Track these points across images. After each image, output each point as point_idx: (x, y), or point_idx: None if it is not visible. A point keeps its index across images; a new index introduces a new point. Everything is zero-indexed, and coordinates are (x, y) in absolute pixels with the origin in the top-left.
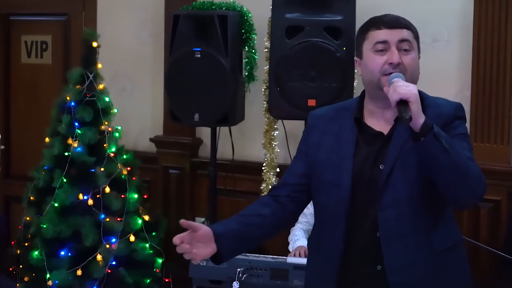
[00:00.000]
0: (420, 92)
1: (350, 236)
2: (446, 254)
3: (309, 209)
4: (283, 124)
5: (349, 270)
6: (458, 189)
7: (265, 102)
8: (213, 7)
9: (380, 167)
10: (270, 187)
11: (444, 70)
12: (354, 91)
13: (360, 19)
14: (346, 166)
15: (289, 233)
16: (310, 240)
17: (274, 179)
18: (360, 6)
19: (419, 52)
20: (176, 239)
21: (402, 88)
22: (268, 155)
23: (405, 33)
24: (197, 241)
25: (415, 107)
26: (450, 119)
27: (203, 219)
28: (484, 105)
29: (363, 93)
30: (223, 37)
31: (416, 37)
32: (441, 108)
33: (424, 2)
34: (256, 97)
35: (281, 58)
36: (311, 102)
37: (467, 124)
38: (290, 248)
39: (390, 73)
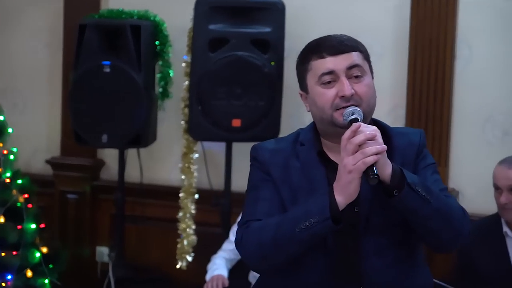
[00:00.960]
0: (376, 121)
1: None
2: None
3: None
4: (202, 146)
5: None
6: (444, 235)
7: (183, 122)
8: (123, 16)
9: (355, 210)
10: (188, 215)
11: (377, 86)
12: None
13: (290, 32)
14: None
15: (209, 260)
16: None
17: (192, 206)
18: (290, 17)
19: (371, 73)
20: None
21: (369, 147)
22: (186, 180)
23: (353, 57)
24: None
25: (382, 159)
26: (420, 147)
27: (105, 249)
28: (421, 124)
29: (314, 125)
30: (136, 50)
31: (366, 57)
32: (409, 136)
33: (356, 16)
34: (168, 116)
35: (204, 73)
36: (236, 122)
37: None
38: (207, 277)
39: (344, 106)
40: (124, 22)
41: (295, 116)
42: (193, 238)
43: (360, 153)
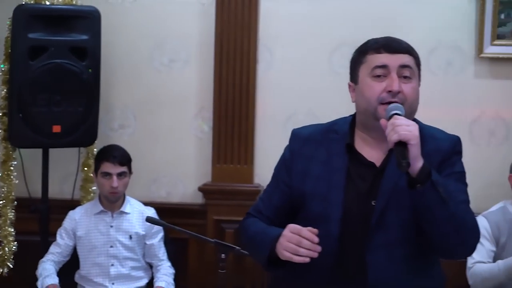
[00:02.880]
0: (419, 123)
1: (335, 276)
2: None
3: (64, 239)
4: (20, 154)
5: None
6: (451, 241)
7: (1, 130)
8: None
9: (373, 203)
10: (8, 222)
11: (184, 90)
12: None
13: (106, 39)
14: (335, 198)
15: (30, 267)
16: (289, 270)
17: (12, 214)
18: (106, 25)
19: (419, 81)
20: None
21: (402, 127)
22: (5, 188)
23: (407, 59)
24: None
25: (415, 151)
26: (448, 155)
27: None
28: (227, 126)
29: (354, 117)
30: None
31: (418, 64)
32: (439, 142)
33: (162, 23)
34: None
35: (24, 81)
36: (56, 129)
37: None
38: (39, 285)
39: (389, 102)
40: None
41: (103, 121)
42: (14, 245)
43: (392, 129)
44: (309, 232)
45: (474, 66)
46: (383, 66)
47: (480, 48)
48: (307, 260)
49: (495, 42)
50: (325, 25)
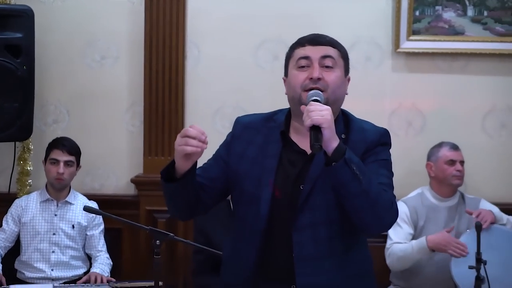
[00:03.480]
0: (347, 115)
1: (264, 253)
2: (358, 279)
3: (9, 225)
4: None
5: (262, 287)
6: (366, 217)
7: None
8: None
9: (301, 187)
10: None
11: (115, 86)
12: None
13: (40, 37)
14: (266, 181)
15: None
16: (224, 251)
17: None
18: (39, 24)
19: (347, 72)
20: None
21: (315, 112)
22: None
23: (329, 50)
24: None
25: (328, 133)
26: (372, 145)
27: None
28: (158, 119)
29: (290, 108)
30: None
31: (344, 57)
32: (366, 133)
33: (93, 21)
34: None
35: None
36: None
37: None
38: None
39: (311, 89)
40: None
41: (38, 116)
42: None
43: (306, 115)
44: (194, 127)
45: (391, 61)
46: (306, 57)
47: (396, 43)
48: (199, 150)
49: (411, 38)
50: (250, 23)
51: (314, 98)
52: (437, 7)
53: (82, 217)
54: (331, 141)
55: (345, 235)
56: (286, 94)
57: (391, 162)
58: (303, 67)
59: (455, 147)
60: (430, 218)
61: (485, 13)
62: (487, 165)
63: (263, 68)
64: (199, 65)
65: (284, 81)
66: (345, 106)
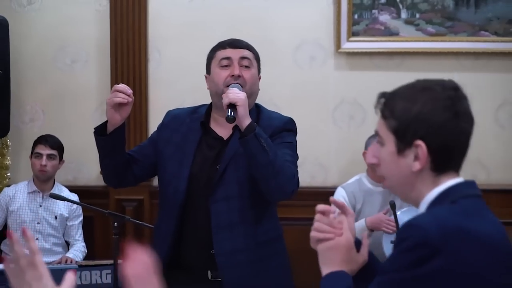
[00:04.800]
0: (259, 107)
1: (184, 224)
2: (268, 245)
3: None
4: None
5: (184, 254)
6: (270, 184)
7: None
8: None
9: (217, 167)
10: None
11: (85, 87)
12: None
13: (15, 44)
14: (186, 162)
15: None
16: (154, 227)
17: None
18: (14, 31)
19: (259, 71)
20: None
21: (232, 94)
22: None
23: (246, 52)
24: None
25: (242, 110)
26: (278, 130)
27: None
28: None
29: (211, 103)
30: None
31: (257, 58)
32: (272, 121)
33: (62, 28)
34: None
35: None
36: None
37: None
38: None
39: (232, 83)
40: None
41: (16, 115)
42: None
43: (225, 96)
44: (121, 84)
45: (334, 60)
46: (227, 58)
47: (338, 44)
48: (125, 101)
49: (351, 39)
50: (205, 28)
51: (235, 87)
52: (373, 11)
53: (64, 209)
54: (244, 119)
55: (255, 207)
56: (208, 89)
57: (296, 146)
58: (225, 66)
59: None
60: (367, 201)
61: (417, 16)
62: None
63: None
64: (160, 67)
65: (206, 78)
66: (294, 100)
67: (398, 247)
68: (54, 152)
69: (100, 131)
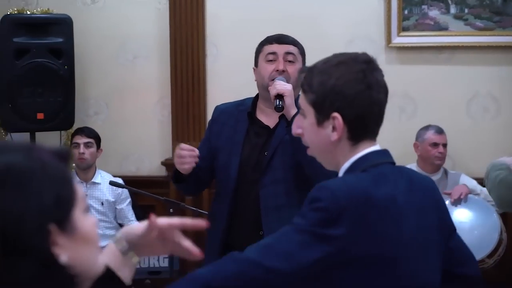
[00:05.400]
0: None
1: (236, 208)
2: None
3: None
4: (11, 137)
5: (236, 236)
6: (315, 167)
7: None
8: None
9: (265, 154)
10: None
11: (146, 82)
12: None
13: (80, 41)
14: (236, 150)
15: None
16: (209, 213)
17: None
18: (79, 29)
19: (303, 65)
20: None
21: (279, 85)
22: None
23: (291, 48)
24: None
25: (289, 100)
26: None
27: None
28: (183, 109)
29: (256, 95)
30: None
31: (302, 53)
32: None
33: (124, 26)
34: None
35: (12, 77)
36: (40, 116)
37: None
38: None
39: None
40: None
41: (81, 109)
42: None
43: (273, 88)
44: (185, 148)
45: (384, 55)
46: (273, 53)
47: (388, 39)
48: (194, 164)
49: (401, 34)
50: (259, 24)
51: (280, 80)
52: (423, 6)
53: (109, 194)
54: (291, 108)
55: (300, 191)
56: (255, 80)
57: None
58: (270, 61)
59: (439, 131)
60: None
61: (466, 11)
62: (471, 144)
63: None
64: (217, 62)
65: (254, 70)
66: None
67: (309, 206)
68: (90, 140)
69: (175, 178)
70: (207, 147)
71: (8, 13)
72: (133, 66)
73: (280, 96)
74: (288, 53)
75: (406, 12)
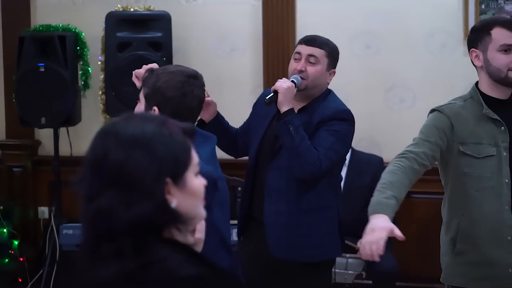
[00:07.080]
0: (328, 95)
1: (254, 185)
2: (309, 213)
3: None
4: None
5: (255, 209)
6: (294, 165)
7: (102, 105)
8: (51, 29)
9: (279, 141)
10: None
11: (241, 72)
12: None
13: (176, 35)
14: (259, 133)
15: None
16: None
17: None
18: (179, 23)
19: (332, 67)
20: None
21: (279, 83)
22: None
23: (315, 50)
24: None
25: (281, 97)
26: (327, 118)
27: (46, 208)
28: None
29: None
30: (63, 54)
31: (329, 55)
32: (325, 109)
33: (221, 21)
34: (88, 102)
35: (115, 68)
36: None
37: None
38: None
39: None
40: (52, 34)
41: None
42: None
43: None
44: None
45: (463, 47)
46: (299, 53)
47: (466, 32)
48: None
49: None
50: (346, 17)
51: (292, 79)
52: (499, 1)
53: None
54: (283, 105)
55: (298, 179)
56: None
57: (344, 134)
58: (296, 59)
59: None
60: None
61: None
62: None
63: (357, 55)
64: None
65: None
66: (431, 85)
67: None
68: None
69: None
70: (248, 122)
71: (113, 10)
72: (230, 58)
73: (276, 92)
74: (310, 55)
75: (483, 6)
